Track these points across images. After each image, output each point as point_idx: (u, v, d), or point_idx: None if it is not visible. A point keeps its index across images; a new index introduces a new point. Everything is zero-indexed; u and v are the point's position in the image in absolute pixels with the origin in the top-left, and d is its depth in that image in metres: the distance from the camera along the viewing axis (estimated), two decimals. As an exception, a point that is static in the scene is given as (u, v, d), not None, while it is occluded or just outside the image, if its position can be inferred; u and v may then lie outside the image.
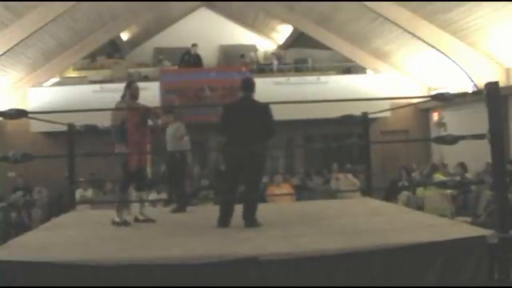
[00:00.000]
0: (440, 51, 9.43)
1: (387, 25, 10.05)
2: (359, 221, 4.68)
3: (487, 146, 3.77)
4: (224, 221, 4.58)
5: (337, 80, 12.31)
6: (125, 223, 4.98)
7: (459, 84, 10.22)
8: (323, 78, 12.29)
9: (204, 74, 12.01)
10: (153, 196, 9.13)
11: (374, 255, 3.46)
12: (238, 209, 4.67)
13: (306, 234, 4.06)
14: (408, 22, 9.28)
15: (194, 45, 12.71)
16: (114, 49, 14.17)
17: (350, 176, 9.72)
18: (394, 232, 4.05)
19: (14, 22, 8.57)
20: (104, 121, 5.33)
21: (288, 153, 13.52)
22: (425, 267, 3.47)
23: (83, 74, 13.27)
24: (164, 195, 9.31)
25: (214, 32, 14.78)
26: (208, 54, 14.00)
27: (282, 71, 13.52)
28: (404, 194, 9.35)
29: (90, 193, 9.30)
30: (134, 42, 15.04)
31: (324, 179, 10.70)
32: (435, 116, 12.52)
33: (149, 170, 12.61)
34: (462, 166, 9.34)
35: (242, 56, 14.11)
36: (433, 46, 9.45)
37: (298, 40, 14.21)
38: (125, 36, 14.27)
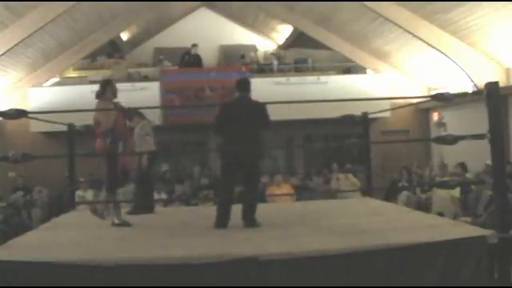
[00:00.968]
0: (440, 51, 9.43)
1: (387, 25, 10.05)
2: (359, 221, 4.68)
3: (487, 146, 3.77)
4: (221, 222, 4.56)
5: (337, 80, 12.30)
6: (125, 223, 4.97)
7: (459, 84, 10.22)
8: (323, 78, 12.28)
9: (204, 73, 12.02)
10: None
11: (374, 255, 3.46)
12: (237, 209, 4.67)
13: (305, 234, 4.06)
14: (408, 22, 9.27)
15: (194, 45, 12.71)
16: (114, 49, 14.16)
17: (350, 176, 9.72)
18: (394, 232, 4.05)
19: (14, 22, 8.56)
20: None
21: (288, 153, 13.53)
22: (425, 267, 3.47)
23: (83, 73, 13.26)
24: (164, 195, 9.33)
25: (214, 32, 14.77)
26: (208, 54, 13.99)
27: (282, 71, 13.51)
28: (404, 194, 9.36)
29: (89, 194, 9.29)
30: (134, 42, 15.04)
31: (324, 179, 10.70)
32: (435, 116, 12.52)
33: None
34: (462, 166, 9.34)
35: (242, 56, 14.12)
36: (433, 46, 9.44)
37: (297, 40, 14.21)
38: (125, 36, 14.27)
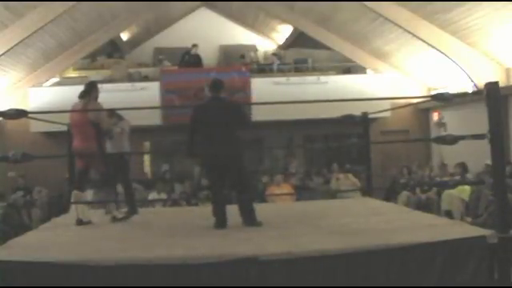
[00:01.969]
0: (440, 51, 9.42)
1: (387, 25, 10.05)
2: (359, 221, 4.67)
3: (487, 146, 3.77)
4: (220, 222, 4.56)
5: (337, 80, 12.30)
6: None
7: (459, 84, 10.22)
8: (323, 78, 12.29)
9: (204, 73, 12.00)
10: (153, 196, 9.14)
11: (374, 255, 3.46)
12: (237, 209, 4.67)
13: (306, 234, 4.06)
14: (408, 22, 9.27)
15: (195, 45, 12.72)
16: (114, 49, 14.17)
17: (350, 176, 9.72)
18: (394, 232, 4.05)
19: (14, 21, 8.56)
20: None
21: (288, 153, 13.52)
22: (425, 267, 3.47)
23: (83, 73, 13.26)
24: (164, 195, 9.33)
25: (214, 32, 14.78)
26: (208, 54, 14.00)
27: (281, 71, 13.52)
28: (404, 194, 9.36)
29: (89, 194, 9.26)
30: (134, 42, 15.04)
31: (324, 179, 10.70)
32: (435, 116, 12.52)
33: (149, 170, 12.68)
34: (462, 166, 9.35)
35: (242, 56, 14.12)
36: (433, 46, 9.44)
37: (297, 40, 14.21)
38: (125, 36, 14.27)
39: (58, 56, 11.76)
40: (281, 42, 15.30)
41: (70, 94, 11.34)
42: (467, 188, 8.12)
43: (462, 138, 4.36)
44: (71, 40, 11.43)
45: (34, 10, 8.62)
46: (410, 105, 10.95)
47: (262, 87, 11.90)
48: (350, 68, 13.35)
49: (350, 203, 6.45)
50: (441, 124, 12.11)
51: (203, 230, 4.50)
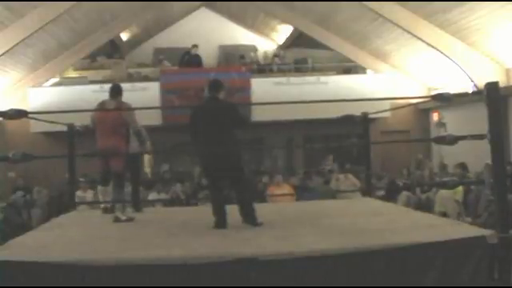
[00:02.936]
0: (440, 51, 9.43)
1: (387, 25, 10.05)
2: (359, 221, 4.67)
3: (487, 146, 3.77)
4: (220, 222, 4.56)
5: (337, 80, 12.31)
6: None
7: (459, 84, 10.22)
8: (323, 78, 12.30)
9: (204, 74, 12.01)
10: (153, 196, 9.12)
11: (374, 255, 3.46)
12: (237, 209, 4.67)
13: (306, 234, 4.06)
14: (408, 22, 9.28)
15: (195, 46, 12.73)
16: (114, 49, 14.18)
17: (350, 176, 9.71)
18: (394, 232, 4.04)
19: (14, 21, 8.57)
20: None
21: (288, 153, 13.53)
22: (425, 267, 3.47)
23: (83, 74, 13.28)
24: (164, 195, 9.32)
25: (214, 32, 14.78)
26: (208, 54, 14.00)
27: (281, 71, 13.53)
28: (404, 194, 9.36)
29: (89, 194, 9.27)
30: (134, 42, 15.05)
31: (324, 179, 10.70)
32: (435, 116, 12.52)
33: (148, 170, 12.67)
34: (462, 166, 9.34)
35: (242, 56, 14.12)
36: (433, 46, 9.45)
37: (297, 40, 14.22)
38: (125, 36, 14.28)
39: (58, 56, 11.77)
40: (281, 42, 15.30)
41: (70, 94, 11.59)
42: (460, 189, 8.12)
43: (462, 138, 4.35)
44: (71, 40, 11.44)
45: (34, 10, 8.63)
46: (410, 105, 10.96)
47: (262, 87, 11.90)
48: (350, 68, 13.36)
49: (350, 203, 6.44)
50: (441, 124, 12.12)
51: (203, 229, 4.50)
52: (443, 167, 10.29)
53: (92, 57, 13.64)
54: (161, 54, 14.08)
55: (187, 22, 15.13)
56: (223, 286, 3.33)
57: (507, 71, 9.12)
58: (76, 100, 10.84)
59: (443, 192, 8.28)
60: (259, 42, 15.48)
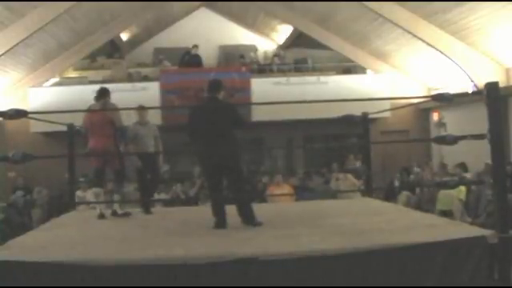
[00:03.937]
0: (440, 51, 9.43)
1: (387, 25, 10.05)
2: (359, 221, 4.67)
3: (487, 146, 3.77)
4: (220, 222, 4.56)
5: (337, 80, 12.31)
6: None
7: (459, 84, 10.23)
8: (323, 78, 12.30)
9: (204, 74, 12.01)
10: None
11: (373, 255, 3.46)
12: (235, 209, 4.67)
13: (306, 234, 4.05)
14: (408, 22, 9.28)
15: (195, 46, 12.73)
16: (114, 49, 14.18)
17: (349, 176, 9.71)
18: (394, 232, 4.04)
19: (14, 21, 8.57)
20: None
21: (288, 153, 13.52)
22: (425, 267, 3.47)
23: (83, 74, 13.28)
24: (164, 195, 9.33)
25: (214, 32, 14.78)
26: (208, 54, 14.00)
27: (282, 71, 13.52)
28: (404, 194, 9.36)
29: (89, 194, 9.26)
30: (134, 42, 15.05)
31: (324, 179, 10.70)
32: (435, 116, 12.52)
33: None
34: (462, 166, 9.35)
35: (242, 56, 14.12)
36: (433, 46, 9.45)
37: (297, 40, 14.22)
38: (125, 36, 14.28)
39: (58, 56, 11.77)
40: (281, 42, 15.31)
41: (70, 94, 11.57)
42: (463, 188, 8.12)
43: (462, 137, 4.35)
44: (71, 40, 11.43)
45: (34, 10, 8.63)
46: (410, 105, 10.96)
47: (261, 87, 11.90)
48: (350, 68, 13.35)
49: (350, 203, 6.44)
50: (441, 124, 12.12)
51: (203, 229, 4.50)
52: (443, 167, 10.28)
53: (92, 57, 13.64)
54: (161, 53, 14.09)
55: (187, 21, 15.12)
56: (223, 286, 3.33)
57: (507, 71, 9.12)
58: (76, 100, 10.77)
59: (448, 191, 8.27)
60: (259, 42, 15.48)
